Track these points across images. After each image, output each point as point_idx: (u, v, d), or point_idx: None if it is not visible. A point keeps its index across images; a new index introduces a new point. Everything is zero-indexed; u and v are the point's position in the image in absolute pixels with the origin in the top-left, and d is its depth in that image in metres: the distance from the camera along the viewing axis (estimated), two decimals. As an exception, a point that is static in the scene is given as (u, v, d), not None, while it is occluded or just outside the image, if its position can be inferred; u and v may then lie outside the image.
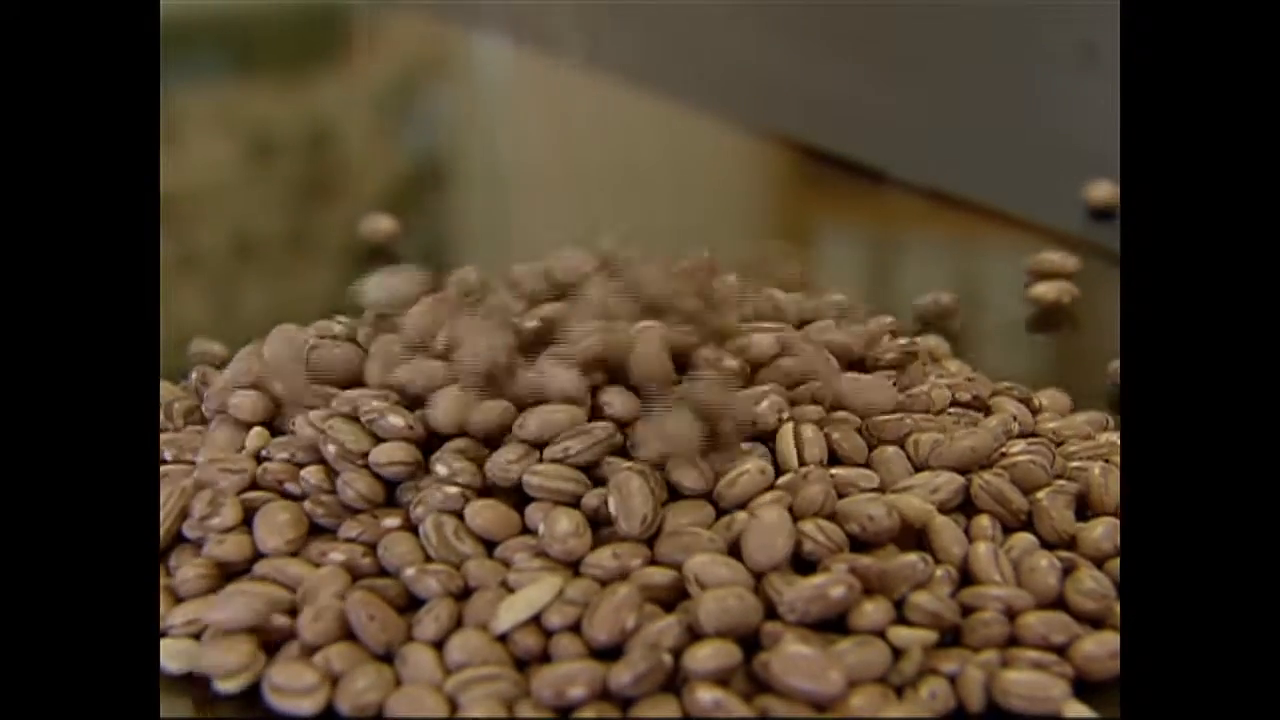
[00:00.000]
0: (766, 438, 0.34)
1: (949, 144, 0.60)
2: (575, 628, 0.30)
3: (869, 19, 0.74)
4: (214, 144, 0.65)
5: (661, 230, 0.39)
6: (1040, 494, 0.34)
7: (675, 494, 0.33)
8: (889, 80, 0.68)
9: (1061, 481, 0.35)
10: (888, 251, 0.57)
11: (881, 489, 0.33)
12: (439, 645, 0.31)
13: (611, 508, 0.32)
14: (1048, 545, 0.33)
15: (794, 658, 0.29)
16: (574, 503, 0.33)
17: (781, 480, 0.33)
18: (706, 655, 0.30)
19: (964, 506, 0.34)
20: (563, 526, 0.32)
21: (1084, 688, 0.31)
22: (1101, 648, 0.31)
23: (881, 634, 0.31)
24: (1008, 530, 0.34)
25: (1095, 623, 0.32)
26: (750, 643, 0.30)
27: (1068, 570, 0.33)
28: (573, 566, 0.32)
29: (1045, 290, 0.47)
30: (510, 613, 0.31)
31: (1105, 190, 0.53)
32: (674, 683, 0.29)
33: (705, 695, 0.29)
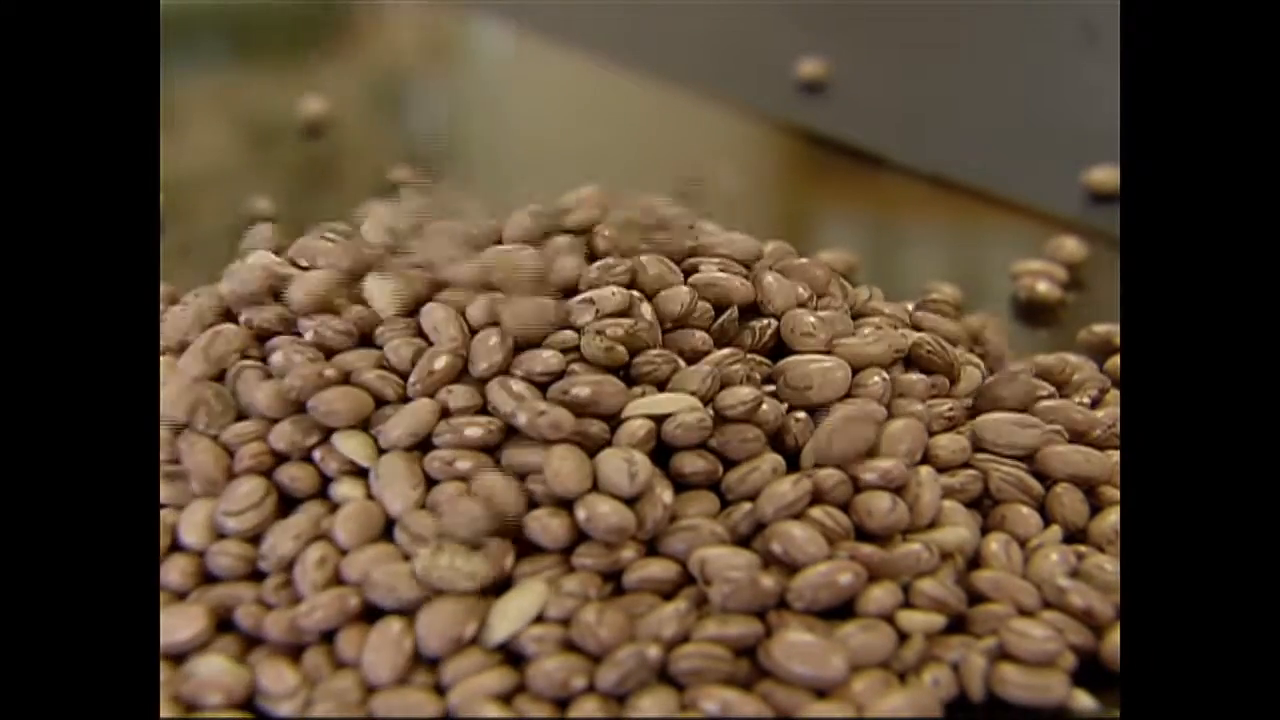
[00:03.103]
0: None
1: (949, 128, 0.60)
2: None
3: (868, 3, 0.74)
4: (213, 131, 0.65)
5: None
6: (1058, 486, 0.34)
7: (681, 486, 0.32)
8: (889, 64, 0.68)
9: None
10: (888, 236, 0.57)
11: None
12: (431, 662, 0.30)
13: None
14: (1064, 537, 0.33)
15: (795, 644, 0.30)
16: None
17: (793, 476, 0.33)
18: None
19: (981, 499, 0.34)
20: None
21: (1085, 679, 0.31)
22: (1105, 642, 0.31)
23: (889, 619, 0.31)
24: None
25: (1102, 617, 0.31)
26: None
27: (1079, 559, 0.33)
28: (565, 556, 0.31)
29: (1034, 282, 0.47)
30: (504, 623, 0.30)
31: (1105, 174, 0.53)
32: (668, 673, 0.29)
33: (710, 704, 0.29)
